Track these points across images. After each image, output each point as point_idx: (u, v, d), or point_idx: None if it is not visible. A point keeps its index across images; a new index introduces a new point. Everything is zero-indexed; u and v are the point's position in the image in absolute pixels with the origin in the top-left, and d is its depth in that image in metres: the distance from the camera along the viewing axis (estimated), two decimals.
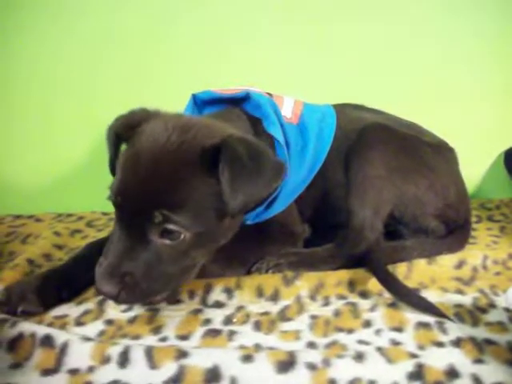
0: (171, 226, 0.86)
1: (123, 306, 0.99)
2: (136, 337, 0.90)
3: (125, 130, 0.97)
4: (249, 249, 1.13)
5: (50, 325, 0.93)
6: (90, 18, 1.66)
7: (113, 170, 0.99)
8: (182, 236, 0.87)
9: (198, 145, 0.88)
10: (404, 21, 1.66)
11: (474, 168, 1.73)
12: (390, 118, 1.33)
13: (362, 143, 1.19)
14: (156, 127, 0.93)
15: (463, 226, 1.26)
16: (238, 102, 1.19)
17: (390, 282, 1.02)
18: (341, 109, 1.32)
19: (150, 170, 0.87)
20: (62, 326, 0.93)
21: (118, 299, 0.86)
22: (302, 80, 1.69)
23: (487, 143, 1.72)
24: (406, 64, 1.69)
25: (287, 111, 1.21)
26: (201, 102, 1.22)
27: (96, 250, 1.11)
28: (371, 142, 1.19)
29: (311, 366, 0.78)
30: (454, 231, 1.24)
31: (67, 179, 1.71)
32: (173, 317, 0.95)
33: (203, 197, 0.88)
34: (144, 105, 1.03)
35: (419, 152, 1.22)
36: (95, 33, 1.66)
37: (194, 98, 1.22)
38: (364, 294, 1.04)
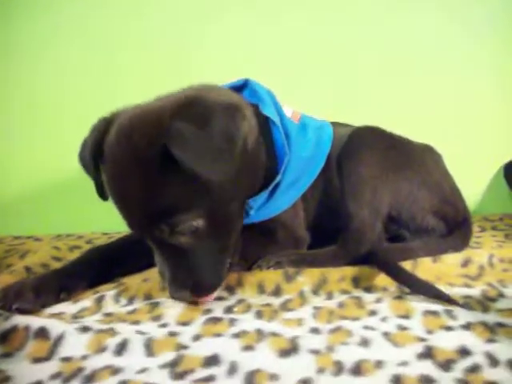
0: (180, 228, 0.88)
1: (123, 302, 0.97)
2: (135, 322, 0.87)
3: (98, 149, 0.94)
4: (251, 247, 1.11)
5: None
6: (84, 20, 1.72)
7: (102, 195, 0.99)
8: (196, 225, 0.89)
9: (146, 148, 0.85)
10: (401, 28, 1.73)
11: (474, 184, 1.73)
12: None
13: (353, 144, 1.21)
14: (110, 141, 0.91)
15: (463, 223, 1.25)
16: (237, 91, 1.20)
17: (398, 273, 1.01)
18: (333, 123, 1.35)
19: (126, 194, 0.89)
20: None
21: (196, 296, 0.92)
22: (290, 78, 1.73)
23: (486, 158, 1.73)
24: (402, 78, 1.73)
25: (287, 113, 1.23)
26: None
27: (96, 254, 1.12)
28: (362, 142, 1.20)
29: (315, 351, 0.75)
30: (455, 230, 1.22)
31: (66, 200, 1.72)
32: (173, 307, 0.93)
33: (184, 186, 0.86)
34: None
35: (408, 150, 1.24)
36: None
37: None
38: (368, 289, 1.01)
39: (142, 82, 1.68)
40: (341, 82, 1.74)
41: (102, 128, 0.95)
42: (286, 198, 1.14)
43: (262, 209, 1.11)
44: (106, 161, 0.92)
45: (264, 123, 1.13)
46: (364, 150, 1.19)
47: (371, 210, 1.14)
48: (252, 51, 1.74)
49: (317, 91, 1.72)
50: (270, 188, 1.09)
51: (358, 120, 1.36)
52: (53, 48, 1.73)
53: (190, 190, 0.87)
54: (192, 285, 0.90)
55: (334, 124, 1.36)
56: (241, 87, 1.21)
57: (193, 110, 0.86)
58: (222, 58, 1.73)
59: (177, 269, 0.91)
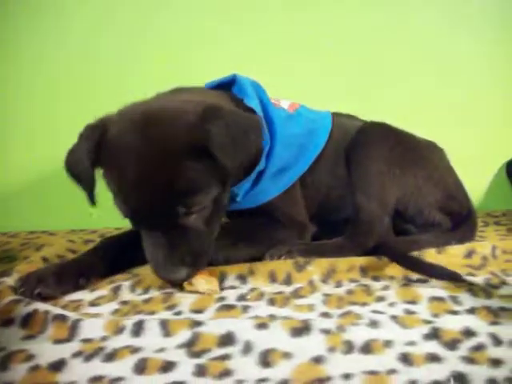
0: (195, 208, 0.96)
1: (138, 292, 1.00)
2: (151, 313, 0.90)
3: (95, 155, 0.98)
4: (258, 234, 1.16)
5: (64, 307, 0.93)
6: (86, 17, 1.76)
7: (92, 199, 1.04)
8: (205, 206, 0.97)
9: (181, 141, 0.93)
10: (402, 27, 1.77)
11: (478, 181, 1.76)
12: None
13: (362, 140, 1.25)
14: (125, 134, 0.96)
15: (468, 217, 1.29)
16: (227, 88, 1.23)
17: (410, 260, 1.06)
18: (336, 114, 1.38)
19: (147, 180, 0.92)
20: (76, 308, 0.94)
21: (195, 270, 0.98)
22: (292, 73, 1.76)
23: (488, 155, 1.76)
24: (406, 75, 1.77)
25: (284, 105, 1.27)
26: None
27: (111, 243, 1.15)
28: (370, 138, 1.25)
29: (326, 331, 0.78)
30: (460, 224, 1.26)
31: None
32: (187, 297, 0.96)
33: (204, 172, 0.94)
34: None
35: (414, 146, 1.28)
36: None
37: None
38: (376, 278, 1.04)
39: (141, 80, 1.73)
40: (348, 79, 1.78)
41: (97, 133, 0.98)
42: (275, 184, 1.17)
43: (249, 195, 1.15)
44: (116, 154, 0.95)
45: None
46: (371, 146, 1.22)
47: (379, 203, 1.18)
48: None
49: (323, 88, 1.76)
50: (254, 175, 1.12)
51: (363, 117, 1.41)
52: (51, 43, 1.76)
53: (207, 175, 0.95)
54: (190, 260, 0.95)
55: (342, 115, 1.40)
56: (230, 83, 1.24)
57: (222, 116, 0.96)
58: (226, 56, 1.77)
59: (175, 248, 0.95)
